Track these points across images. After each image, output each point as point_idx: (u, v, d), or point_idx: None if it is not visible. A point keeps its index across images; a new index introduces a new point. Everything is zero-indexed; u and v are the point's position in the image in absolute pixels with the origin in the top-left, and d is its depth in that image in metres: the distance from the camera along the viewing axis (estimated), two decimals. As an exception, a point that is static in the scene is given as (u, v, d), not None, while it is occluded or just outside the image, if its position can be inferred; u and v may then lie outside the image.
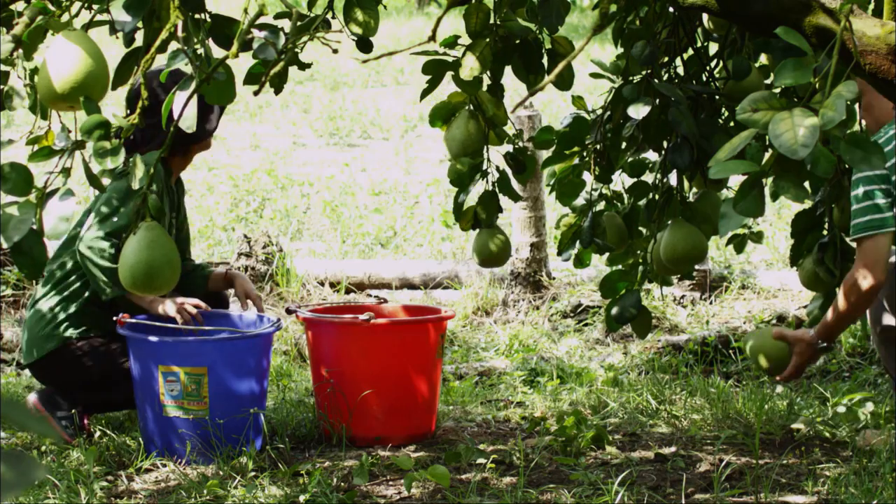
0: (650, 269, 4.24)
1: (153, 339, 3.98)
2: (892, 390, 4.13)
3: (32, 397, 4.28)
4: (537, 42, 3.82)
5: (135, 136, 4.14)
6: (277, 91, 3.68)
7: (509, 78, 3.99)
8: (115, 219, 4.06)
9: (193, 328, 4.11)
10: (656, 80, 3.91)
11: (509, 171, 4.12)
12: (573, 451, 3.94)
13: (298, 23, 3.08)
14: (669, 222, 4.04)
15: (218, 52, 2.91)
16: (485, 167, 4.06)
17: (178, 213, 4.42)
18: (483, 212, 4.11)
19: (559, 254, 4.31)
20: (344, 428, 4.06)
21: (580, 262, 4.35)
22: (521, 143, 4.09)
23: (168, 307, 4.10)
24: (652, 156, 4.23)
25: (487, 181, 4.07)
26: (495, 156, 4.11)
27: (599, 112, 4.14)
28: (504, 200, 4.13)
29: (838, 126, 2.44)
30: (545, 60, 3.87)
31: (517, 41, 3.80)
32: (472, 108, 3.96)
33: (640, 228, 4.29)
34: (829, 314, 3.78)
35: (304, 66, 3.37)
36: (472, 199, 4.10)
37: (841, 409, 4.12)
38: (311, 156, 10.53)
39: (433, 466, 3.62)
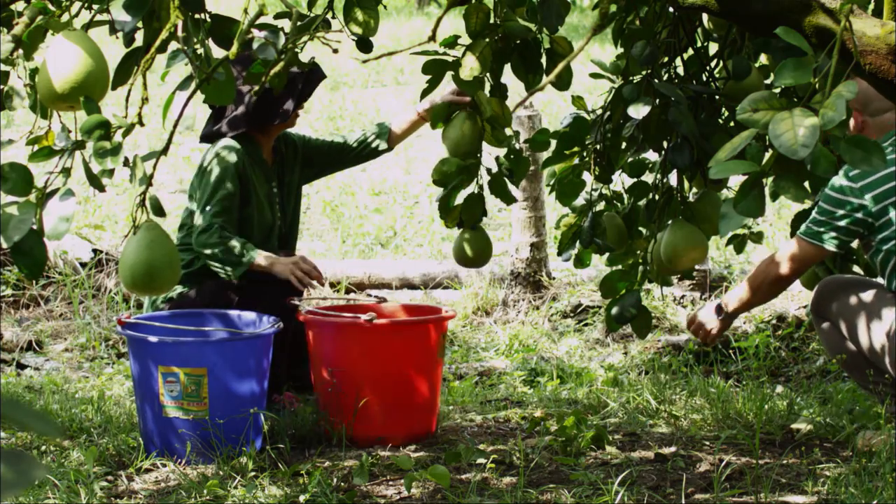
0: (650, 269, 4.24)
1: (153, 339, 3.98)
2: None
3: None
4: (536, 42, 3.82)
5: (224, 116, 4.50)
6: (277, 91, 3.68)
7: (508, 77, 3.99)
8: (209, 207, 4.37)
9: (193, 328, 4.12)
10: (656, 80, 3.91)
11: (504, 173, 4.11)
12: (573, 451, 3.94)
13: (298, 23, 3.08)
14: (669, 222, 4.04)
15: (218, 52, 2.91)
16: (478, 168, 4.05)
17: (281, 179, 4.69)
18: (466, 213, 4.10)
19: (559, 254, 4.32)
20: (344, 428, 4.06)
21: (580, 262, 4.35)
22: (517, 145, 4.08)
23: (285, 270, 4.34)
24: (652, 156, 4.23)
25: (476, 183, 4.05)
26: (489, 158, 4.11)
27: (599, 112, 4.14)
28: (496, 198, 4.13)
29: (838, 126, 2.44)
30: (544, 60, 3.87)
31: (517, 41, 3.80)
32: (469, 108, 3.96)
33: (640, 228, 4.29)
34: (739, 290, 4.21)
35: (304, 66, 3.38)
36: (460, 199, 4.10)
37: (842, 415, 4.12)
38: (311, 156, 10.50)
39: (433, 466, 3.62)
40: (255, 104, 4.45)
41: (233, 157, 4.43)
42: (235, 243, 4.33)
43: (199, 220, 4.39)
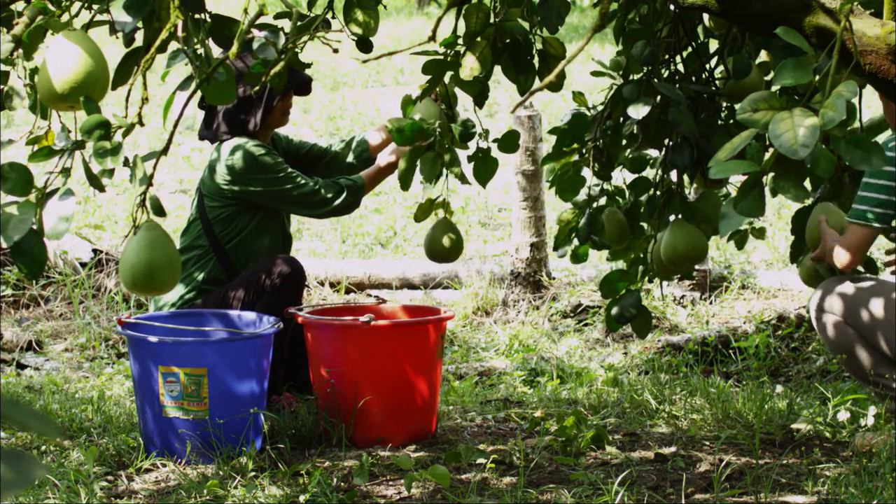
0: (650, 269, 4.24)
1: (153, 339, 3.98)
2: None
3: None
4: (528, 43, 3.82)
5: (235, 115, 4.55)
6: (277, 90, 3.68)
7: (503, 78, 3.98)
8: (297, 181, 4.47)
9: (193, 328, 4.12)
10: (656, 80, 3.91)
11: (463, 159, 4.08)
12: (573, 451, 3.94)
13: (298, 23, 3.08)
14: (671, 219, 4.04)
15: (218, 52, 2.91)
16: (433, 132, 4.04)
17: None
18: (424, 170, 4.01)
19: (555, 249, 4.31)
20: (343, 428, 4.06)
21: (576, 257, 4.35)
22: (485, 144, 4.04)
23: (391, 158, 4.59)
24: (653, 151, 4.23)
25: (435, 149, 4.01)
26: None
27: (600, 109, 4.14)
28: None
29: (838, 126, 2.44)
30: (536, 62, 3.86)
31: (507, 40, 3.79)
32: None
33: (642, 224, 4.29)
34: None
35: (304, 66, 3.38)
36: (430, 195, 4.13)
37: (843, 416, 4.11)
38: (311, 156, 10.49)
39: (433, 466, 3.62)
40: (231, 112, 4.48)
41: (260, 149, 4.45)
42: (342, 181, 4.53)
43: (301, 189, 4.44)
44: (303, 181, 4.46)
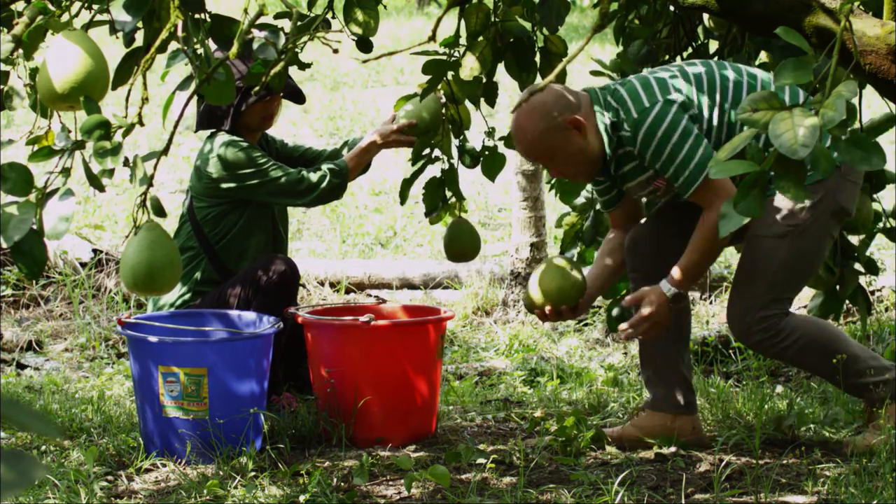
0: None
1: (153, 339, 3.98)
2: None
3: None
4: (531, 41, 3.82)
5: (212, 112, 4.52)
6: (277, 91, 3.68)
7: (507, 76, 3.99)
8: (277, 172, 4.42)
9: (193, 328, 4.12)
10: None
11: (458, 165, 4.11)
12: (573, 451, 3.94)
13: (298, 23, 3.08)
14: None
15: (218, 53, 2.91)
16: (439, 156, 4.07)
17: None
18: (427, 199, 4.10)
19: (561, 252, 4.31)
20: (343, 428, 4.06)
21: (583, 261, 4.35)
22: (491, 142, 4.07)
23: (378, 140, 4.46)
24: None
25: (441, 170, 4.07)
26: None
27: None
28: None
29: (838, 126, 2.45)
30: (538, 59, 3.87)
31: (511, 39, 3.80)
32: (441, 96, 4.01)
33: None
34: (686, 259, 3.62)
35: (304, 66, 3.38)
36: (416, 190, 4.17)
37: (842, 415, 4.11)
38: (311, 156, 10.49)
39: (433, 466, 3.62)
40: (207, 110, 4.49)
41: (243, 143, 4.45)
42: (325, 166, 4.47)
43: (287, 178, 4.41)
44: (288, 170, 4.44)
